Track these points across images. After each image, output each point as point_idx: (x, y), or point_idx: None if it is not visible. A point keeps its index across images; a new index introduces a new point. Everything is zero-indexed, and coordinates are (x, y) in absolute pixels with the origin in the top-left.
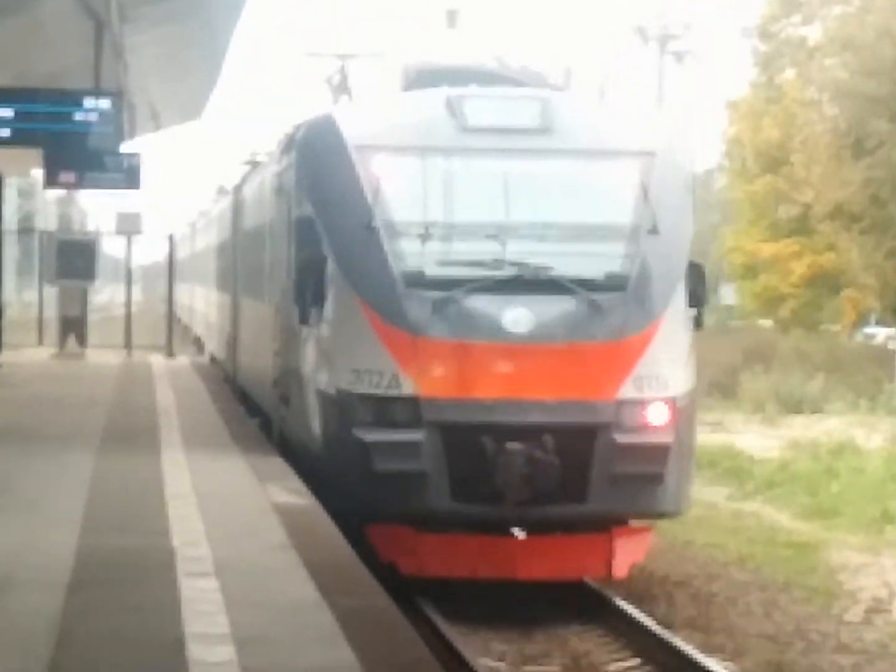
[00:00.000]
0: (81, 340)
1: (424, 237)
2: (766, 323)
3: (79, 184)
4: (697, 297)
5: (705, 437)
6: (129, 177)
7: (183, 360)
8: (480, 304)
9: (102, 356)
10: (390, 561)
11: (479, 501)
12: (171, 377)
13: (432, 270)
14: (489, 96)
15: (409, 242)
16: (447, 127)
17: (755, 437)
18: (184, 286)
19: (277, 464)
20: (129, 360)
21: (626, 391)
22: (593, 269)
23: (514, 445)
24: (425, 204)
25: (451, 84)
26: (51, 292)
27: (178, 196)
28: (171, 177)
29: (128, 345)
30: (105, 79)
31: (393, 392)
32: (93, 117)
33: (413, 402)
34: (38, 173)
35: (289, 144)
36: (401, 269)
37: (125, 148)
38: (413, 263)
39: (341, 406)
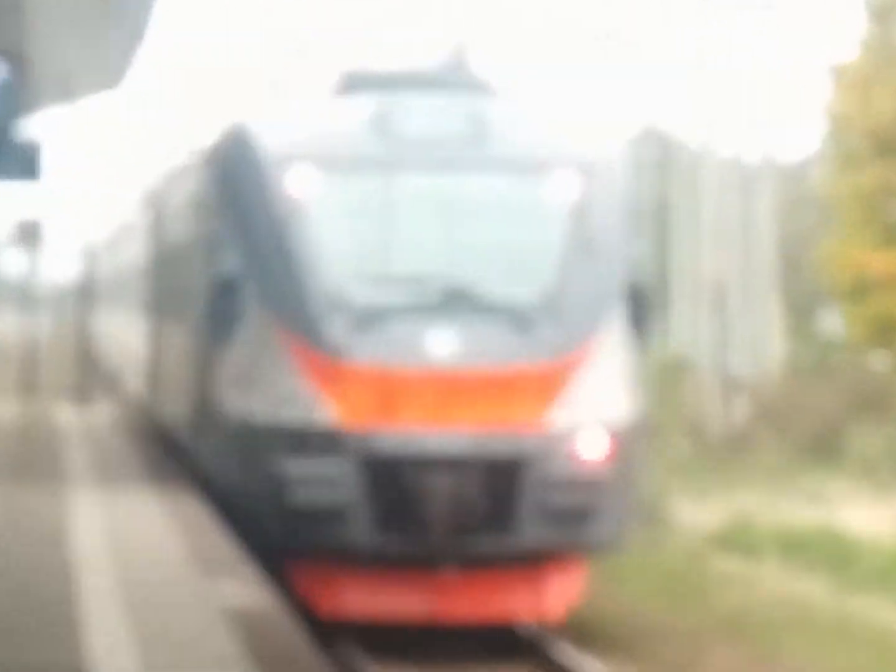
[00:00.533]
0: None
1: (345, 256)
2: (882, 358)
3: None
4: (639, 319)
5: (799, 511)
6: (24, 163)
7: (101, 408)
8: (403, 326)
9: None
10: (309, 600)
11: (402, 535)
12: (79, 437)
13: (353, 291)
14: (419, 105)
15: (329, 261)
16: (371, 138)
17: (864, 512)
18: (104, 313)
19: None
20: (28, 411)
21: (556, 418)
22: (521, 288)
23: (438, 478)
24: (347, 220)
25: (384, 89)
26: None
27: (98, 196)
28: (87, 169)
29: (27, 389)
30: None
31: (311, 420)
32: None
33: (332, 430)
34: None
35: (205, 154)
36: (320, 289)
37: (23, 126)
38: (333, 283)
39: (257, 435)
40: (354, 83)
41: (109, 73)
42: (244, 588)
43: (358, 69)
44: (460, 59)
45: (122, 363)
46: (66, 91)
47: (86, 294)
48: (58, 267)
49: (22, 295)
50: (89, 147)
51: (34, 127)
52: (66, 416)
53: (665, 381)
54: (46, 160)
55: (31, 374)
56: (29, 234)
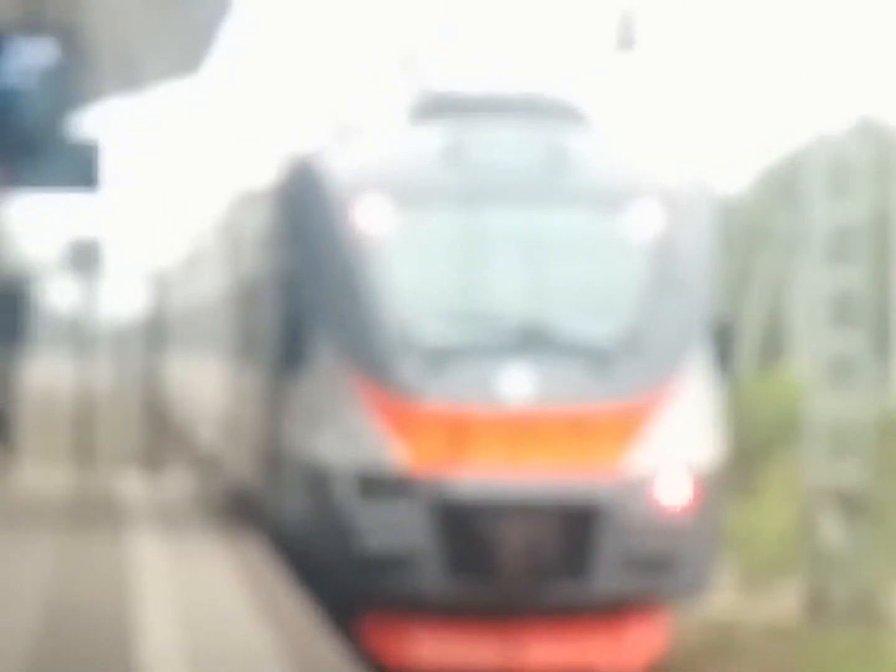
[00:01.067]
0: (8, 451)
1: (417, 292)
2: None
3: (0, 182)
4: (725, 357)
5: None
6: (79, 169)
7: (176, 478)
8: (477, 365)
9: (40, 479)
10: (380, 651)
11: (475, 582)
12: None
13: (426, 329)
14: (497, 134)
15: (400, 298)
16: (446, 168)
17: None
18: (178, 357)
19: None
20: (84, 485)
21: (634, 461)
22: (598, 326)
23: (512, 524)
24: (419, 255)
25: (463, 115)
26: None
27: (170, 211)
28: (156, 176)
29: (84, 457)
30: (46, 9)
31: (381, 463)
32: (23, 73)
33: (403, 474)
34: None
35: (276, 182)
36: (391, 328)
37: (78, 124)
38: (404, 321)
39: (326, 480)
40: (431, 107)
41: (185, 56)
42: None
43: (435, 92)
44: (548, 83)
45: (198, 418)
46: (132, 78)
47: (155, 332)
48: (118, 298)
49: (75, 334)
50: (159, 148)
51: (92, 123)
52: (133, 489)
53: (885, 443)
54: (106, 165)
55: (88, 435)
56: (85, 258)
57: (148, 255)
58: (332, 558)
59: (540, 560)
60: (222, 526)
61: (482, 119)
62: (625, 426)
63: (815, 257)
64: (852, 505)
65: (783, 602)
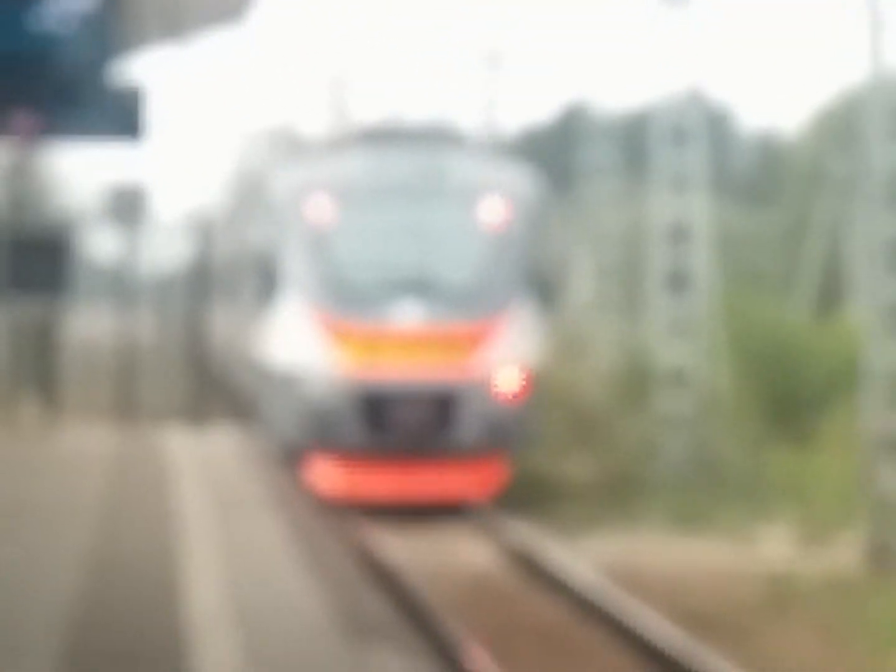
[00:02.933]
0: (49, 403)
1: (348, 257)
2: None
3: (40, 131)
4: (544, 298)
5: None
6: (125, 119)
7: (222, 433)
8: (384, 301)
9: (82, 434)
10: (322, 483)
11: (383, 437)
12: (201, 494)
13: (353, 279)
14: (399, 154)
15: (337, 260)
16: (365, 178)
17: None
18: (222, 307)
19: None
20: (128, 445)
21: (480, 363)
22: (457, 276)
23: (405, 406)
24: (348, 234)
25: (378, 140)
26: None
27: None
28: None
29: (127, 411)
30: None
31: (325, 363)
32: (62, 20)
33: (339, 374)
34: None
35: (269, 183)
36: (332, 278)
37: (119, 72)
38: (340, 274)
39: (293, 377)
40: (359, 135)
41: (229, 4)
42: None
43: (362, 124)
44: (445, 116)
45: (226, 356)
46: (175, 26)
47: (199, 283)
48: (161, 248)
49: (117, 285)
50: (203, 96)
51: (135, 71)
52: (178, 445)
53: None
54: (149, 114)
55: (130, 389)
56: (127, 207)
57: (191, 205)
58: (296, 424)
59: (423, 425)
60: (271, 484)
61: (391, 143)
62: (474, 341)
63: (874, 202)
64: None
65: (843, 553)
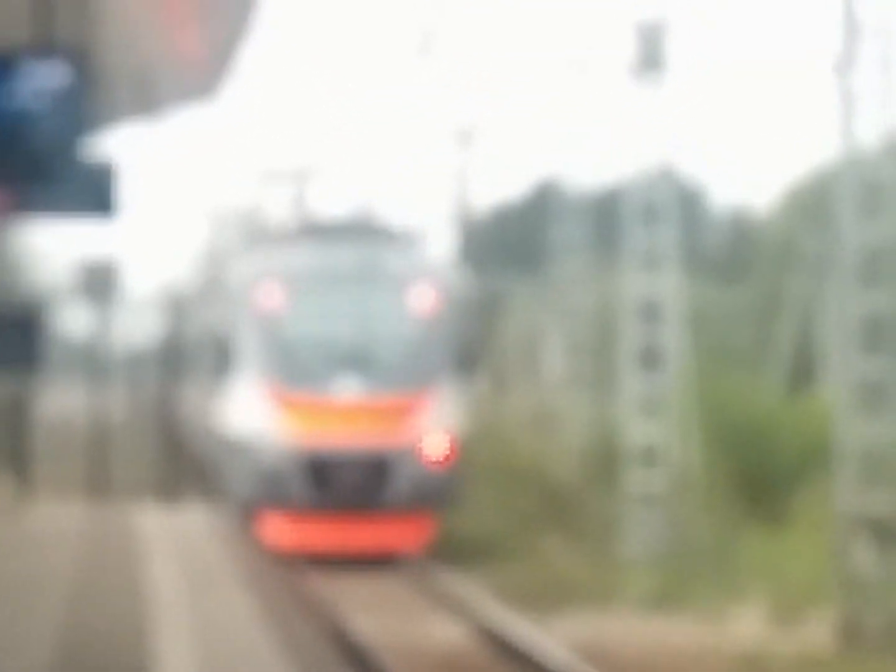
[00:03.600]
0: (22, 480)
1: (294, 334)
2: None
3: (11, 207)
4: (467, 372)
5: None
6: (97, 196)
7: (194, 510)
8: (325, 375)
9: (55, 511)
10: (270, 537)
11: (325, 496)
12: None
13: (299, 355)
14: (341, 246)
15: (285, 337)
16: (310, 267)
17: None
18: (193, 383)
19: None
20: (101, 521)
21: (408, 432)
22: (391, 353)
23: (344, 469)
24: (296, 314)
25: (322, 234)
26: None
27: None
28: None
29: (100, 487)
30: (57, 30)
31: (274, 431)
32: (35, 96)
33: (287, 440)
34: None
35: (225, 272)
36: (281, 354)
37: (92, 148)
38: (288, 350)
39: (247, 443)
40: (304, 230)
41: (201, 80)
42: None
43: (307, 221)
44: (368, 213)
45: (193, 430)
46: (147, 102)
47: (171, 358)
48: (132, 324)
49: (90, 361)
50: (175, 171)
51: (107, 148)
52: (151, 523)
53: None
54: (121, 190)
55: (103, 464)
56: (99, 283)
57: (162, 281)
58: (249, 484)
59: (359, 486)
60: (246, 567)
61: (333, 237)
62: (405, 411)
63: (846, 280)
64: (885, 533)
65: (815, 632)
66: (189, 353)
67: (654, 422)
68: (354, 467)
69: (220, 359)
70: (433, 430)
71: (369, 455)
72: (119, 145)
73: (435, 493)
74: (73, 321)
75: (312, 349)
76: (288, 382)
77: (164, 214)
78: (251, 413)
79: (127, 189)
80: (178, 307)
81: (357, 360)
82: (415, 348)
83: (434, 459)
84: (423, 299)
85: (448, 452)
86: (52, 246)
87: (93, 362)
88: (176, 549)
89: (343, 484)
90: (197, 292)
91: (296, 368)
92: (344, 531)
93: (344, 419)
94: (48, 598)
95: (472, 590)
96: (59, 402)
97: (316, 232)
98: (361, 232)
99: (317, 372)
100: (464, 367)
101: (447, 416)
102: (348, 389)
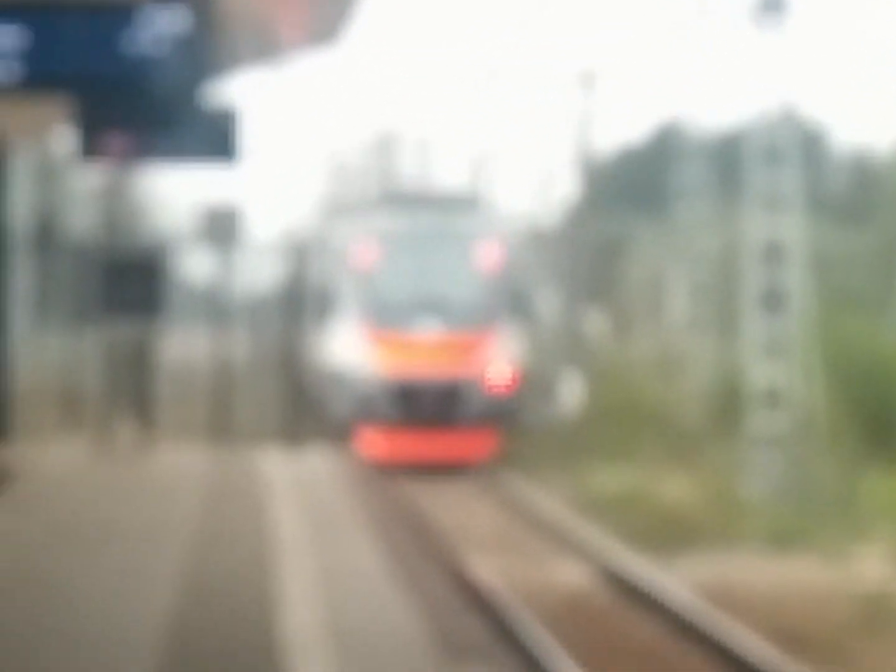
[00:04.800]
0: (145, 425)
1: (385, 283)
2: None
3: (134, 153)
4: (524, 315)
5: None
6: (218, 141)
7: (318, 454)
8: (410, 316)
9: (178, 456)
10: (368, 448)
11: (410, 413)
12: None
13: (388, 299)
14: (423, 213)
15: (377, 286)
16: (397, 230)
17: None
18: (313, 328)
19: None
20: (223, 466)
21: (478, 362)
22: (463, 299)
23: (425, 393)
24: (385, 268)
25: (408, 201)
26: (88, 342)
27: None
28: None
29: (222, 432)
30: None
31: (368, 363)
32: (156, 42)
33: (377, 373)
34: (64, 140)
35: (328, 231)
36: (373, 299)
37: (213, 93)
38: (379, 296)
39: (344, 374)
40: (391, 196)
41: (323, 25)
42: None
43: (394, 188)
44: (477, 178)
45: (308, 370)
46: (268, 48)
47: (292, 303)
48: (255, 269)
49: (212, 307)
50: (297, 117)
51: (228, 93)
52: (273, 467)
53: None
54: (243, 135)
55: (226, 411)
56: (222, 228)
57: (284, 226)
58: (348, 406)
59: (436, 406)
60: (370, 506)
61: (415, 204)
62: (473, 345)
63: None
64: None
65: None
66: (307, 299)
67: (778, 364)
68: (432, 391)
69: (325, 304)
70: (496, 362)
71: (444, 381)
72: (240, 91)
73: (498, 413)
74: (195, 266)
75: (398, 296)
76: (379, 323)
77: (286, 160)
78: (350, 348)
79: (248, 134)
80: (298, 253)
81: (434, 305)
82: (479, 295)
83: (497, 386)
84: (486, 256)
85: (509, 380)
86: (175, 191)
87: (215, 307)
88: (298, 493)
89: (423, 404)
90: (309, 244)
91: (385, 312)
92: (424, 443)
93: (424, 353)
94: (174, 539)
95: (596, 532)
96: (182, 347)
97: (402, 198)
98: (439, 198)
99: (401, 315)
100: (520, 312)
101: (507, 351)
102: (427, 329)
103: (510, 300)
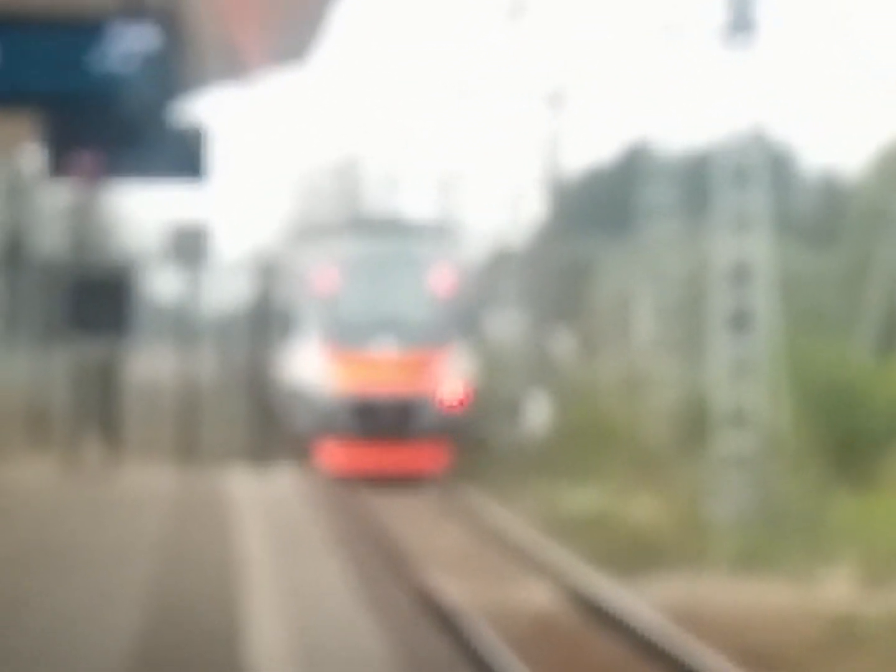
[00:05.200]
0: (111, 444)
1: (345, 304)
2: None
3: (102, 172)
4: (470, 334)
5: None
6: (187, 159)
7: (285, 473)
8: (367, 334)
9: (144, 475)
10: (323, 460)
11: (365, 428)
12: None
13: (347, 319)
14: (384, 238)
15: (337, 306)
16: (358, 255)
17: None
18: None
19: None
20: (190, 485)
21: (430, 380)
22: (418, 320)
23: (379, 409)
24: (345, 290)
25: (370, 230)
26: (56, 361)
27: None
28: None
29: (189, 452)
30: None
31: (326, 381)
32: (125, 59)
33: (336, 390)
34: (32, 157)
35: (292, 255)
36: (332, 318)
37: (182, 111)
38: (338, 315)
39: (305, 391)
40: (350, 224)
41: (292, 41)
42: None
43: (359, 216)
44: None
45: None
46: (236, 66)
47: (259, 322)
48: (223, 287)
49: (179, 325)
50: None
51: (197, 111)
52: (239, 486)
53: None
54: (211, 153)
55: (193, 430)
56: (190, 246)
57: (251, 245)
58: (309, 421)
59: (391, 420)
60: (340, 530)
61: (372, 229)
62: (427, 364)
63: None
64: None
65: None
66: (272, 319)
67: (744, 385)
68: (388, 406)
69: (289, 324)
70: (448, 380)
71: (399, 397)
72: (209, 109)
73: (449, 428)
74: (163, 285)
75: (357, 317)
76: (338, 342)
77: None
78: (310, 365)
79: (217, 153)
80: (266, 271)
81: (390, 325)
82: (433, 317)
83: (449, 402)
84: (439, 280)
85: (461, 396)
86: (143, 210)
87: (182, 326)
88: (264, 512)
89: (379, 419)
90: (275, 265)
91: (344, 332)
92: (380, 455)
93: (380, 370)
94: (140, 558)
95: (564, 554)
96: (149, 365)
97: (361, 225)
98: (394, 226)
99: (360, 334)
100: (472, 333)
101: (459, 369)
102: (383, 347)
103: (462, 321)
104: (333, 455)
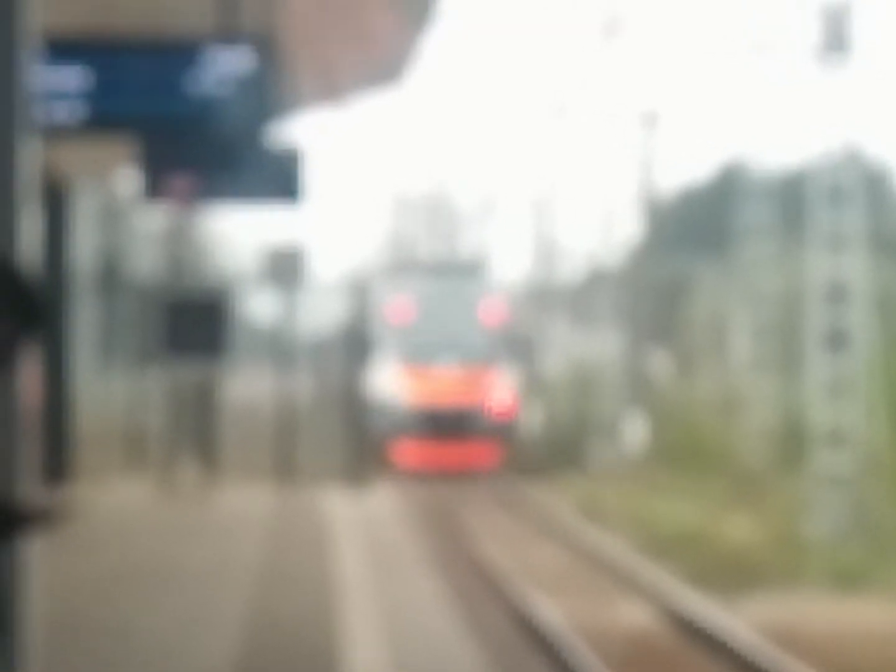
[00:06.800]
0: (208, 466)
1: (412, 329)
2: None
3: (198, 194)
4: (517, 356)
5: None
6: (283, 181)
7: (382, 500)
8: (431, 353)
9: (241, 496)
10: (397, 458)
11: (431, 431)
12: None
13: (415, 341)
14: (437, 279)
15: (407, 331)
16: (419, 290)
17: None
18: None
19: None
20: (287, 506)
21: (485, 393)
22: (473, 343)
23: (442, 417)
24: (412, 317)
25: (422, 272)
26: (152, 383)
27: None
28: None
29: (286, 473)
30: (241, 17)
31: (400, 396)
32: (220, 82)
33: (407, 402)
34: (128, 180)
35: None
36: (405, 342)
37: (277, 134)
38: (409, 338)
39: (385, 405)
40: (420, 265)
41: (387, 63)
42: None
43: (418, 261)
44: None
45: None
46: (331, 88)
47: (356, 343)
48: (319, 308)
49: (276, 347)
50: (360, 157)
51: (292, 133)
52: (337, 506)
53: None
54: (307, 175)
55: (290, 451)
56: (286, 267)
57: (347, 266)
58: (387, 425)
59: (452, 424)
60: (440, 550)
61: (435, 271)
62: (481, 379)
63: None
64: None
65: None
66: (364, 340)
67: (841, 404)
68: (449, 412)
69: (374, 346)
70: (497, 392)
71: (458, 405)
72: (304, 131)
73: (500, 431)
74: (259, 307)
75: (424, 339)
76: (409, 360)
77: (349, 200)
78: (388, 380)
79: (312, 175)
80: (362, 292)
81: (451, 346)
82: (484, 340)
83: (498, 409)
84: (488, 311)
85: (508, 405)
86: (239, 232)
87: (279, 348)
88: (360, 532)
89: (442, 423)
90: (363, 291)
91: (413, 351)
92: (443, 452)
93: (443, 383)
94: (237, 580)
95: (659, 572)
96: (245, 386)
97: (427, 266)
98: (454, 267)
99: (426, 353)
100: (515, 355)
101: (506, 383)
102: (445, 365)
103: (507, 345)
104: (406, 453)
